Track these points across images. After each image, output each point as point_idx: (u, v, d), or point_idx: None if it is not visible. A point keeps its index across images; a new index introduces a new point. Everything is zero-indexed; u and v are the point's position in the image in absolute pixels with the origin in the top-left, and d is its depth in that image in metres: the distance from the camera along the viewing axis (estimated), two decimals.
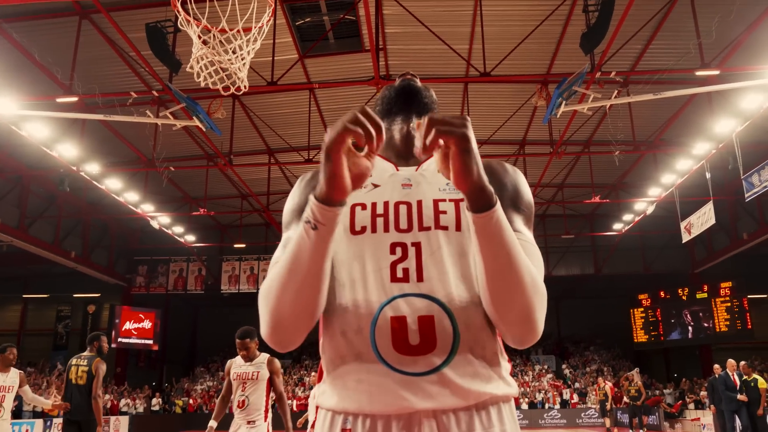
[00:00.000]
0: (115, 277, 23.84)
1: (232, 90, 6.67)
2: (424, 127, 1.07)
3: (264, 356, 5.40)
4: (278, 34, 11.46)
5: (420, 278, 1.22)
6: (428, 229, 1.26)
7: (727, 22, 10.65)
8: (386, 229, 1.27)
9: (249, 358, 5.35)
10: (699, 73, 11.27)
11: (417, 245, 1.25)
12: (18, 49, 11.36)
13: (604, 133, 14.85)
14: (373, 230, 1.27)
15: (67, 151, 12.60)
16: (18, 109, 10.67)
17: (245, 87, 7.21)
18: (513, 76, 12.48)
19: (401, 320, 1.18)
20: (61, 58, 11.28)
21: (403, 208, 1.29)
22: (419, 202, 1.29)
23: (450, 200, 1.29)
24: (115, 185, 15.09)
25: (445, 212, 1.28)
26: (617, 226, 20.23)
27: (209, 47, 5.91)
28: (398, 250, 1.25)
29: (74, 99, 11.37)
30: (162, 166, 14.08)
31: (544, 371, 24.52)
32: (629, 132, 14.15)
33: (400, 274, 1.22)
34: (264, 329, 1.22)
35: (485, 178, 1.10)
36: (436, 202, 1.29)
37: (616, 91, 11.27)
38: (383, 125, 1.08)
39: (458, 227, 1.26)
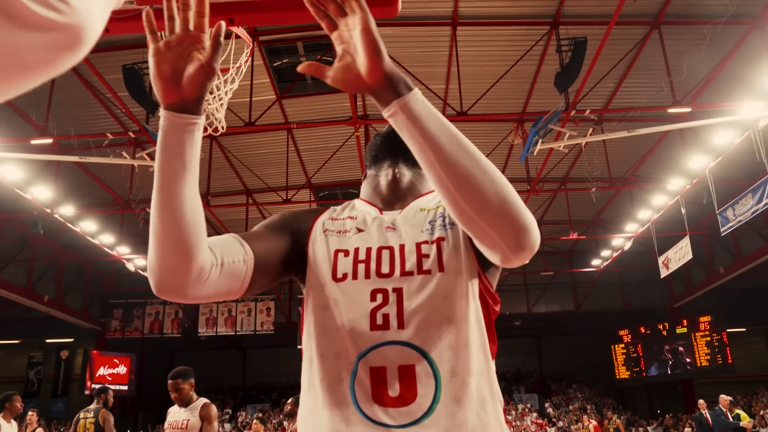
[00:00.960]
0: (90, 321, 23.32)
1: (209, 131, 6.63)
2: None
3: (200, 401, 4.88)
4: (256, 75, 11.51)
5: (401, 325, 1.18)
6: (410, 274, 1.23)
7: (697, 60, 10.92)
8: (367, 276, 1.23)
9: (182, 401, 4.83)
10: (671, 110, 11.50)
11: (398, 291, 1.21)
12: None
13: (580, 170, 15.02)
14: (354, 277, 1.24)
15: (42, 193, 12.41)
16: None
17: (223, 128, 7.19)
18: (489, 115, 12.63)
19: (381, 371, 1.14)
20: (36, 100, 11.19)
21: (385, 253, 1.26)
22: (401, 247, 1.27)
23: (432, 242, 1.26)
24: (90, 227, 14.87)
25: (427, 255, 1.25)
26: (596, 262, 20.35)
27: None
28: (379, 296, 1.21)
29: (49, 141, 11.26)
30: (138, 207, 13.91)
31: (527, 410, 24.27)
32: (605, 169, 14.33)
33: (380, 321, 1.18)
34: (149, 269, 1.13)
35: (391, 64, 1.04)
36: (418, 246, 1.26)
37: (591, 129, 11.46)
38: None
39: (441, 268, 1.22)
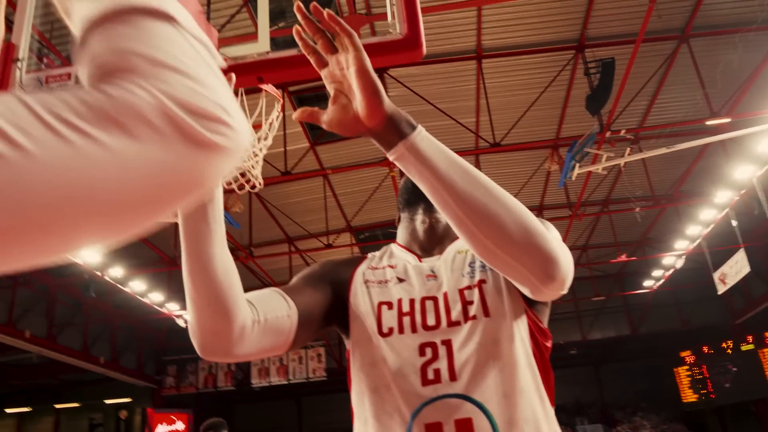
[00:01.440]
0: (145, 379, 23.63)
1: (247, 188, 6.73)
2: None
3: None
4: (288, 125, 11.72)
5: (453, 377, 1.15)
6: (457, 324, 1.21)
7: (731, 69, 10.69)
8: (414, 329, 1.21)
9: None
10: (709, 122, 11.24)
11: (447, 343, 1.19)
12: None
13: (621, 190, 14.74)
14: (401, 331, 1.22)
15: (91, 257, 12.76)
16: None
17: (260, 184, 7.30)
18: (523, 143, 12.54)
19: (437, 427, 1.10)
20: None
21: (429, 304, 1.24)
22: (445, 295, 1.25)
23: (474, 286, 1.23)
24: (139, 287, 15.19)
25: (471, 302, 1.23)
26: (648, 283, 19.77)
27: None
28: (428, 351, 1.19)
29: None
30: None
31: None
32: (647, 187, 14.03)
33: (431, 376, 1.16)
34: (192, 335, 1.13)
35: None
36: (461, 292, 1.24)
37: (628, 149, 11.24)
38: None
39: (486, 313, 1.19)
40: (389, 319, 1.23)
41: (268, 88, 6.61)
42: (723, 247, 16.29)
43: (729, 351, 22.57)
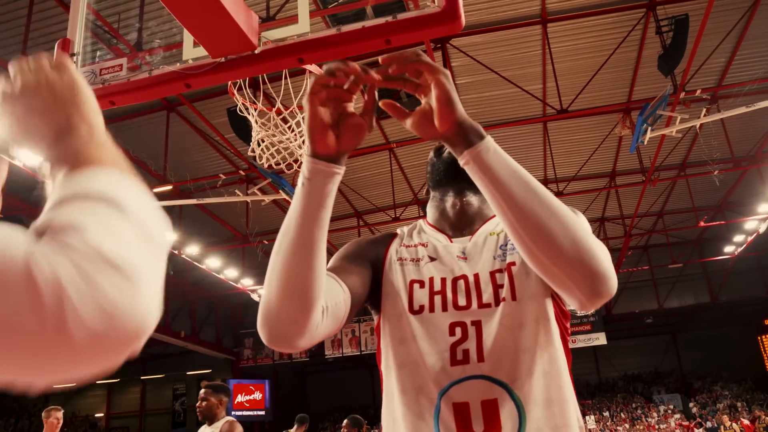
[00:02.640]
0: (224, 351, 24.57)
1: (295, 168, 6.83)
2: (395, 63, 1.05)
3: (225, 419, 4.63)
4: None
5: (481, 359, 1.17)
6: (488, 305, 1.22)
7: None
8: (444, 308, 1.23)
9: (204, 415, 4.59)
10: None
11: (477, 324, 1.20)
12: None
13: (698, 153, 14.14)
14: (431, 309, 1.24)
15: (169, 236, 13.27)
16: None
17: None
18: (592, 108, 12.19)
19: (464, 406, 1.13)
20: (154, 151, 12.02)
21: (460, 284, 1.25)
22: (476, 276, 1.26)
23: (504, 269, 1.24)
24: (215, 264, 15.75)
25: (502, 285, 1.24)
26: (729, 248, 18.99)
27: (267, 129, 6.09)
28: (458, 330, 1.20)
29: (169, 187, 12.05)
30: (256, 240, 14.56)
31: (669, 411, 22.92)
32: (726, 149, 13.42)
33: (460, 356, 1.18)
34: (258, 318, 1.11)
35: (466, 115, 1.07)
36: (492, 275, 1.25)
37: (704, 110, 10.76)
38: (364, 71, 1.06)
39: (514, 297, 1.21)
40: (421, 296, 1.25)
41: (313, 68, 6.66)
42: None
43: None
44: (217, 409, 4.63)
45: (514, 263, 1.25)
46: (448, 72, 1.05)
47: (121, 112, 11.73)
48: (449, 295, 1.24)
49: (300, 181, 1.08)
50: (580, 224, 1.04)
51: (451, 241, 1.34)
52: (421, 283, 1.27)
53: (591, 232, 1.08)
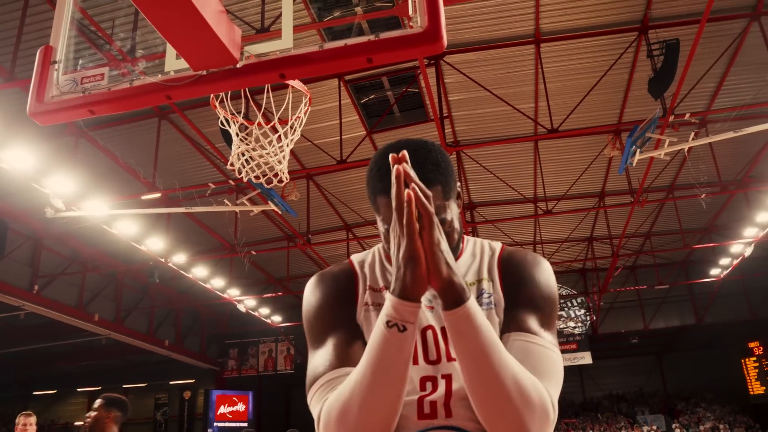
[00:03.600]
0: (208, 362, 24.38)
1: (275, 183, 6.80)
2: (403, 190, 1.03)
3: None
4: (345, 113, 11.78)
5: (449, 414, 1.14)
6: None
7: None
8: (415, 362, 1.19)
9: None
10: None
11: (447, 378, 1.17)
12: (104, 153, 12.15)
13: (686, 176, 14.24)
14: None
15: (155, 244, 13.20)
16: (108, 209, 11.34)
17: (286, 179, 7.34)
18: (582, 129, 12.25)
19: None
20: (143, 158, 11.96)
21: (429, 336, 1.22)
22: (443, 329, 1.21)
23: None
24: (201, 273, 15.64)
25: None
26: (715, 271, 19.09)
27: (247, 142, 6.07)
28: (428, 384, 1.18)
29: (157, 195, 11.98)
30: (243, 251, 14.49)
31: None
32: (714, 173, 13.52)
33: (427, 410, 1.15)
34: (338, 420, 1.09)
35: (455, 270, 1.03)
36: None
37: (693, 133, 10.83)
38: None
39: None
40: None
41: (296, 84, 6.63)
42: None
43: None
44: (106, 425, 4.10)
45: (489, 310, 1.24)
46: (436, 233, 1.03)
47: (112, 118, 11.68)
48: (419, 348, 1.21)
49: (397, 328, 1.03)
50: (530, 411, 1.03)
51: None
52: None
53: (548, 415, 1.06)
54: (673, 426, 23.38)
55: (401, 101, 12.28)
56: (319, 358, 1.22)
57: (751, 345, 22.96)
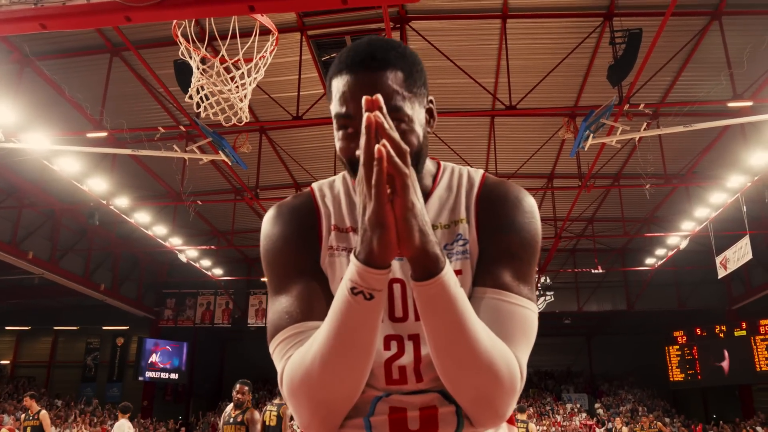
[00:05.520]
0: (144, 309, 23.99)
1: (234, 121, 6.62)
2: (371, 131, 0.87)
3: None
4: (304, 69, 11.56)
5: (419, 379, 1.07)
6: None
7: (759, 52, 10.44)
8: None
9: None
10: (731, 104, 11.04)
11: (414, 338, 1.08)
12: (51, 86, 11.64)
13: (634, 166, 14.60)
14: None
15: (98, 185, 12.79)
16: (50, 144, 10.88)
17: (246, 118, 7.17)
18: (540, 109, 12.37)
19: (400, 411, 1.05)
20: (92, 94, 11.50)
21: (396, 289, 1.10)
22: None
23: None
24: (144, 219, 15.27)
25: None
26: (650, 261, 19.78)
27: (208, 76, 5.87)
28: (393, 344, 1.08)
29: (104, 134, 11.57)
30: (189, 200, 14.19)
31: (575, 410, 23.83)
32: (660, 165, 13.89)
33: (396, 375, 1.07)
34: (310, 420, 1.02)
35: (429, 238, 0.91)
36: None
37: (645, 124, 11.08)
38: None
39: None
40: None
41: (263, 20, 6.37)
42: (729, 233, 16.23)
43: (722, 335, 22.71)
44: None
45: (461, 271, 1.10)
46: (410, 195, 0.88)
47: (62, 49, 11.17)
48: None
49: (363, 296, 0.91)
50: (498, 382, 0.97)
51: None
52: None
53: (515, 386, 1.00)
54: (596, 406, 24.37)
55: None
56: (281, 306, 1.09)
57: (676, 334, 23.98)
